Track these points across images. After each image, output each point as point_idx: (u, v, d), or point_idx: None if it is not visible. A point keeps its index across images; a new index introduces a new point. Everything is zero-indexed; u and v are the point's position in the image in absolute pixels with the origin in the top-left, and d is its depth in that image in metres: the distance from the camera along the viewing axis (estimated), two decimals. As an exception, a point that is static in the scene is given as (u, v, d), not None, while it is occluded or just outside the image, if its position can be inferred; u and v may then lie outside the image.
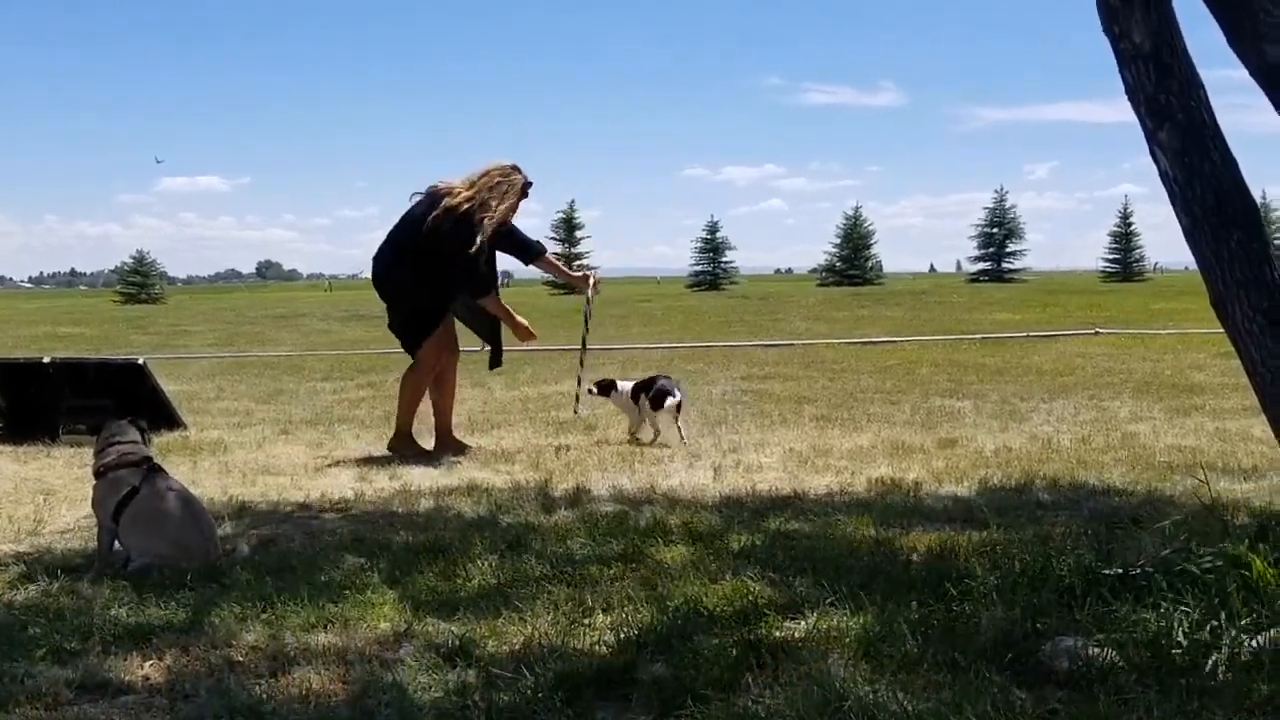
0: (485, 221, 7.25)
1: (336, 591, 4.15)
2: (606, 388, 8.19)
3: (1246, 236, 3.96)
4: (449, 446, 7.60)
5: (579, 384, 8.68)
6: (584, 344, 8.95)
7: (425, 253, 7.31)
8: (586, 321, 8.68)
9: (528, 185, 7.56)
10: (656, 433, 7.90)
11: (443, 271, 7.36)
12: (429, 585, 4.23)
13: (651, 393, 7.87)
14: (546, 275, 9.73)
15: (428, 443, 7.70)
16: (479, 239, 7.22)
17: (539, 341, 8.57)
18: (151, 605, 4.04)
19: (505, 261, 7.80)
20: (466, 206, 7.25)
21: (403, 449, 7.46)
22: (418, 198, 7.54)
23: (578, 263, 64.70)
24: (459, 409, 9.73)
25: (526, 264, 8.06)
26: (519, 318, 7.78)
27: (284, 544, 5.04)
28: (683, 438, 7.83)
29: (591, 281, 8.30)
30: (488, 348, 8.18)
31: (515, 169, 7.54)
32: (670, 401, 7.81)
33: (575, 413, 8.57)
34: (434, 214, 7.24)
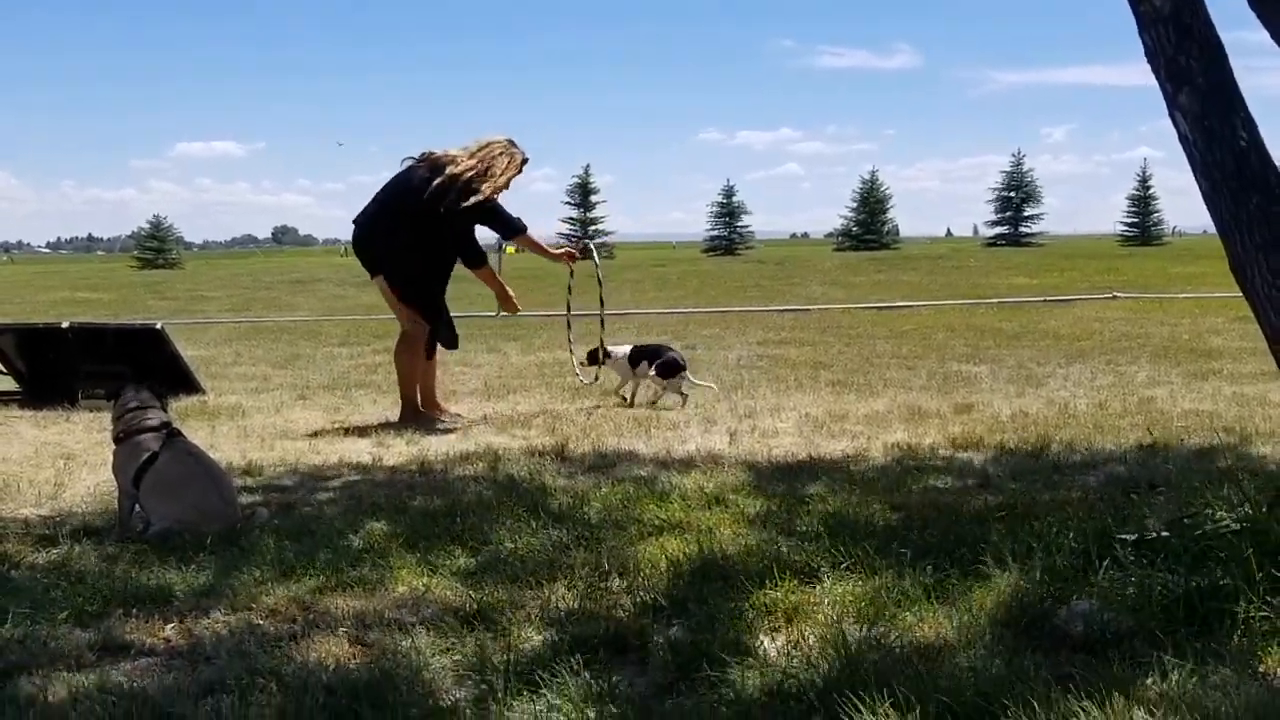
0: (485, 189, 7.27)
1: (355, 556, 4.18)
2: (594, 357, 8.28)
3: (1266, 200, 3.93)
4: (423, 415, 7.56)
5: (571, 354, 8.81)
6: (569, 309, 8.86)
7: (423, 218, 7.26)
8: (569, 292, 8.65)
9: (524, 161, 7.56)
10: (655, 398, 8.14)
11: (439, 238, 7.36)
12: (447, 550, 4.25)
13: (661, 362, 8.07)
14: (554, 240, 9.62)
15: (450, 405, 7.75)
16: (475, 204, 7.24)
17: (554, 308, 8.58)
18: (172, 569, 4.08)
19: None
20: (470, 175, 7.24)
21: (413, 419, 7.42)
22: (409, 162, 7.51)
23: (594, 228, 64.67)
24: (475, 375, 9.79)
25: (505, 239, 8.06)
26: (509, 289, 7.80)
27: (303, 508, 5.07)
28: (684, 402, 8.02)
29: (575, 258, 8.32)
30: (501, 314, 8.18)
31: (512, 143, 7.53)
32: (682, 374, 8.11)
33: (582, 381, 8.57)
34: (439, 180, 7.20)
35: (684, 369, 8.18)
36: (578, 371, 8.59)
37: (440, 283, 7.62)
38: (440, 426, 7.27)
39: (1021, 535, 3.96)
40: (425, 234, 7.31)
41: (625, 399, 8.23)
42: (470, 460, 6.02)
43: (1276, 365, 4.11)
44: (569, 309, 8.83)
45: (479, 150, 7.37)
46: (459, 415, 7.59)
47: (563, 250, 8.34)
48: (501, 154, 7.39)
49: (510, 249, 8.24)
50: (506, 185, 7.47)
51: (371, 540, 4.40)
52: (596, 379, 8.42)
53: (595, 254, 8.77)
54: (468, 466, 5.87)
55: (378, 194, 7.55)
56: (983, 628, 3.23)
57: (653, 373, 8.09)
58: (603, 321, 8.54)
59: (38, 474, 5.93)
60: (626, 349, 8.32)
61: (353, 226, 7.60)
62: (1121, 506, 4.46)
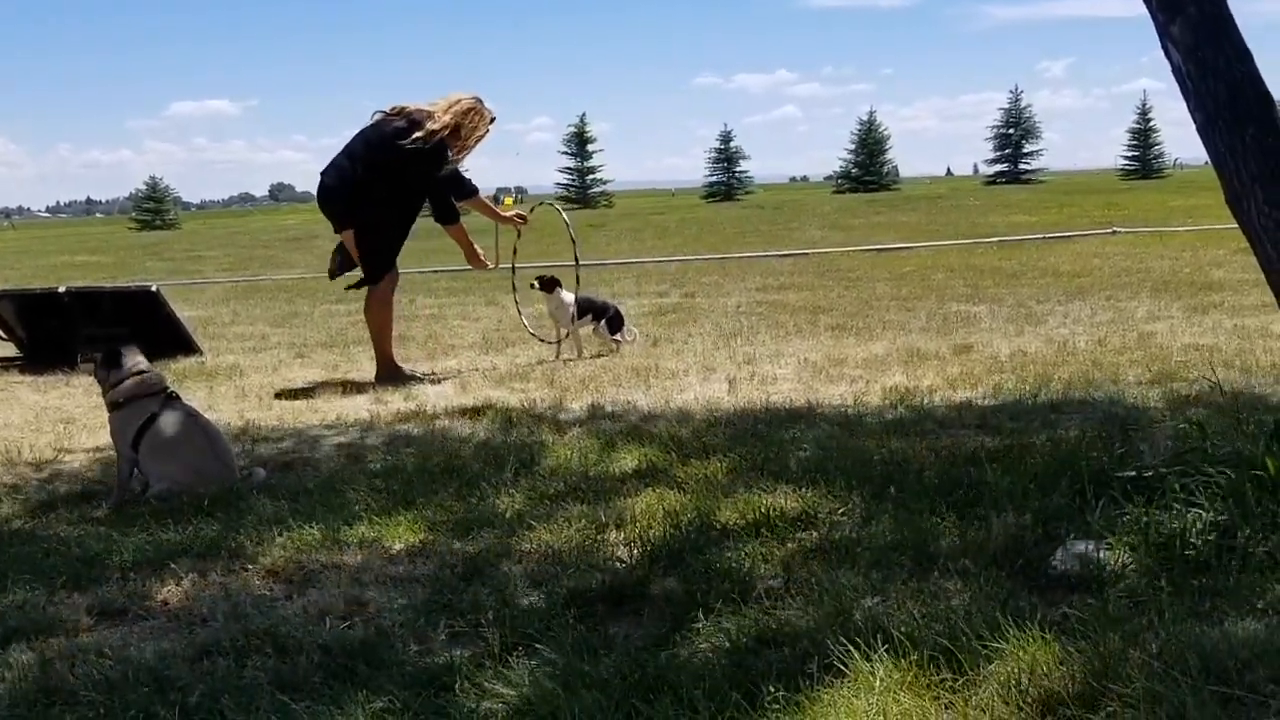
0: (456, 149, 7.23)
1: (352, 513, 4.18)
2: (551, 284, 8.11)
3: (1261, 131, 3.88)
4: (401, 371, 7.50)
5: (519, 312, 8.72)
6: (514, 270, 8.56)
7: (398, 171, 7.16)
8: (515, 254, 8.43)
9: (493, 120, 7.48)
10: (579, 351, 8.12)
11: (410, 192, 7.30)
12: (444, 505, 4.25)
13: (609, 316, 8.32)
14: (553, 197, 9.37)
15: (442, 363, 7.72)
16: (449, 164, 7.20)
17: (554, 259, 8.51)
18: (170, 531, 4.08)
19: (515, 178, 7.76)
20: (445, 133, 7.16)
21: (392, 378, 7.33)
22: (380, 116, 7.36)
23: (591, 176, 64.38)
24: (474, 328, 9.77)
25: (457, 201, 7.95)
26: (477, 247, 7.71)
27: (300, 467, 5.08)
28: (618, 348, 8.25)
29: (524, 220, 8.20)
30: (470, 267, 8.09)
31: (480, 101, 7.42)
32: (629, 331, 8.45)
33: (534, 336, 8.51)
34: (417, 135, 7.07)
35: (627, 329, 8.48)
36: (530, 330, 8.55)
37: (403, 237, 7.53)
38: (418, 378, 7.27)
39: (1018, 476, 3.95)
40: (398, 187, 7.22)
41: (552, 342, 8.25)
42: (468, 415, 6.01)
43: (1275, 297, 4.08)
44: (514, 270, 8.54)
45: (451, 107, 7.26)
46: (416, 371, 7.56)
47: (513, 214, 8.26)
48: (470, 111, 7.30)
49: (508, 200, 8.12)
50: (474, 147, 7.42)
51: (369, 497, 4.39)
52: (559, 343, 8.24)
53: (566, 220, 8.71)
54: (466, 421, 5.86)
55: (348, 147, 7.38)
56: (979, 570, 3.22)
57: (602, 328, 8.25)
58: (578, 279, 8.32)
59: (38, 438, 5.94)
60: (572, 298, 8.17)
61: (320, 178, 7.45)
62: (1119, 444, 4.44)
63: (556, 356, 8.08)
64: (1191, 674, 2.49)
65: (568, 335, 8.17)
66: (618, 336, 8.32)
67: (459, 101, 7.31)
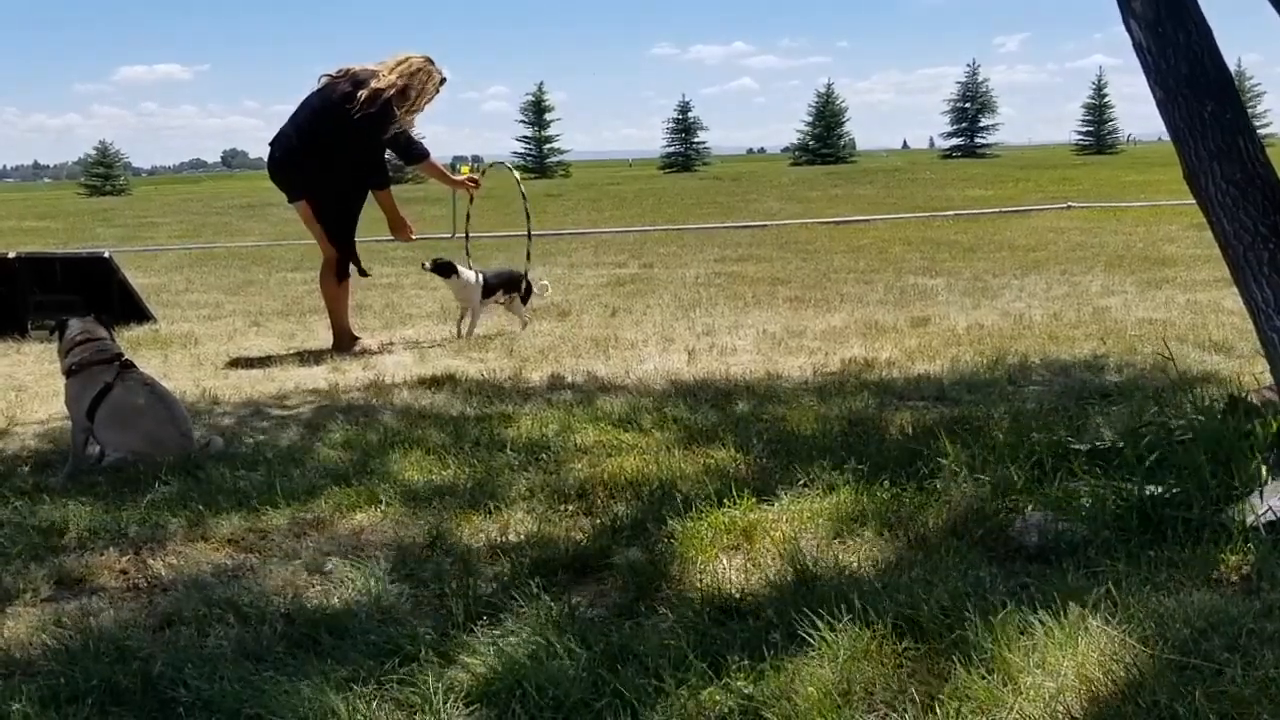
0: (402, 111, 7.04)
1: (312, 482, 4.16)
2: (448, 268, 7.64)
3: (1220, 107, 3.92)
4: (357, 341, 7.46)
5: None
6: (467, 236, 8.48)
7: (346, 134, 7.00)
8: (468, 220, 8.39)
9: (443, 80, 7.34)
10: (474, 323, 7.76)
11: (357, 158, 7.13)
12: (404, 476, 4.23)
13: (524, 288, 7.93)
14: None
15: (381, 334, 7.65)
16: (393, 126, 7.03)
17: (512, 228, 8.44)
18: (127, 500, 4.04)
19: (472, 146, 7.70)
20: (392, 92, 6.99)
21: (348, 347, 7.28)
22: (326, 79, 7.22)
23: (549, 146, 64.07)
24: (431, 297, 9.71)
25: (407, 164, 7.87)
26: (404, 214, 7.52)
27: (258, 437, 5.03)
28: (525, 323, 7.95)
29: (476, 185, 7.99)
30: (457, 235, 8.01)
31: (430, 61, 7.25)
32: (540, 287, 8.22)
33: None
34: (363, 94, 6.92)
35: (532, 287, 8.13)
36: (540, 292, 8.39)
37: (360, 202, 7.40)
38: (363, 350, 7.22)
39: (976, 448, 3.98)
40: (348, 151, 7.07)
41: (461, 329, 7.78)
42: (428, 385, 5.98)
43: (1229, 272, 4.13)
44: (467, 236, 8.46)
45: (397, 66, 7.10)
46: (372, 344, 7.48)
47: (464, 178, 8.09)
48: (419, 71, 7.14)
49: (465, 169, 7.92)
50: (423, 108, 7.25)
51: (329, 467, 4.37)
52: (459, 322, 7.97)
53: (517, 177, 8.36)
54: (425, 391, 5.83)
55: (295, 114, 7.26)
56: (939, 541, 3.25)
57: (516, 302, 7.90)
58: (529, 255, 8.22)
59: (-12, 407, 5.85)
60: (474, 274, 7.73)
61: (269, 149, 7.33)
62: (1075, 417, 4.50)
63: (458, 336, 7.71)
64: (1149, 643, 2.53)
65: (475, 319, 7.74)
66: (538, 292, 8.06)
67: (406, 61, 7.15)
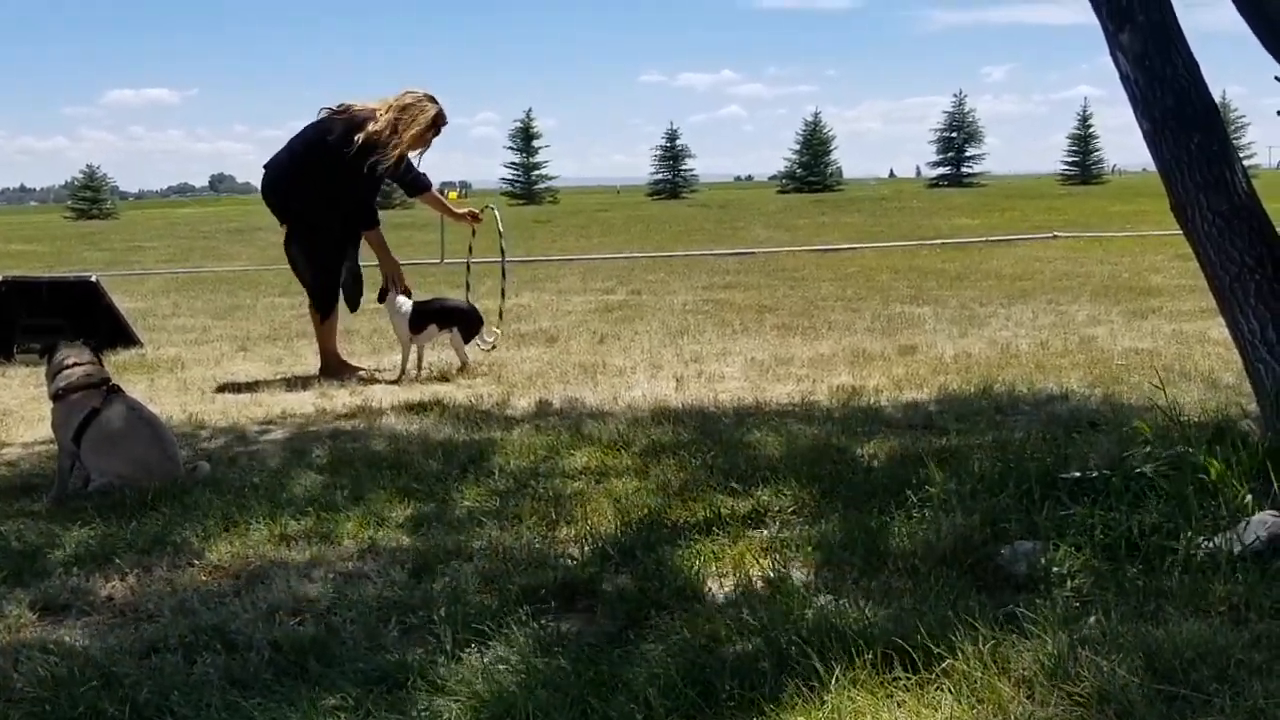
0: (390, 151, 6.95)
1: (300, 509, 4.14)
2: (380, 293, 7.27)
3: (1207, 139, 3.96)
4: (347, 367, 7.39)
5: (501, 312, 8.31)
6: (469, 268, 8.41)
7: (337, 173, 6.94)
8: (470, 252, 8.25)
9: (441, 116, 7.23)
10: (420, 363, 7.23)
11: (346, 195, 7.07)
12: (392, 502, 4.22)
13: (467, 324, 7.26)
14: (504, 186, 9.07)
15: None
16: (381, 164, 6.94)
17: (495, 254, 8.36)
18: (113, 526, 4.02)
19: (461, 172, 7.68)
20: (386, 133, 6.93)
21: (336, 373, 7.22)
22: (326, 113, 7.17)
23: (536, 172, 64.18)
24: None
25: (409, 196, 7.86)
26: (393, 254, 7.39)
27: (246, 462, 5.02)
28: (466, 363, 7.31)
29: (478, 219, 7.89)
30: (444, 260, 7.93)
31: (431, 99, 7.19)
32: (487, 333, 7.47)
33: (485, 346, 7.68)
34: (359, 137, 6.86)
35: (482, 322, 7.42)
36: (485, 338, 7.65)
37: (350, 238, 7.34)
38: (361, 374, 7.21)
39: (964, 477, 3.98)
40: (336, 187, 7.02)
41: (406, 371, 7.15)
42: (415, 410, 5.97)
43: (1216, 302, 4.16)
44: (469, 269, 8.42)
45: (393, 102, 7.06)
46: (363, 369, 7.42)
47: (466, 211, 7.99)
48: (411, 105, 7.06)
49: (452, 194, 7.81)
50: (419, 141, 7.18)
51: (316, 493, 4.36)
52: (492, 347, 7.67)
53: (498, 218, 7.99)
54: (412, 417, 5.82)
55: (291, 141, 7.25)
56: (928, 569, 3.25)
57: (455, 336, 7.19)
58: (504, 293, 8.14)
59: (-28, 431, 5.82)
60: (408, 304, 7.15)
61: (263, 172, 7.31)
62: (1063, 446, 4.50)
63: (399, 378, 7.09)
64: (1138, 673, 2.53)
65: (419, 355, 7.25)
66: (479, 342, 7.39)
67: (399, 96, 7.12)
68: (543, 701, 2.51)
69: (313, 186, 7.08)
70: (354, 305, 7.61)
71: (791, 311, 10.09)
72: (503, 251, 8.14)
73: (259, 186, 7.46)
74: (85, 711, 2.59)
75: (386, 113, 7.02)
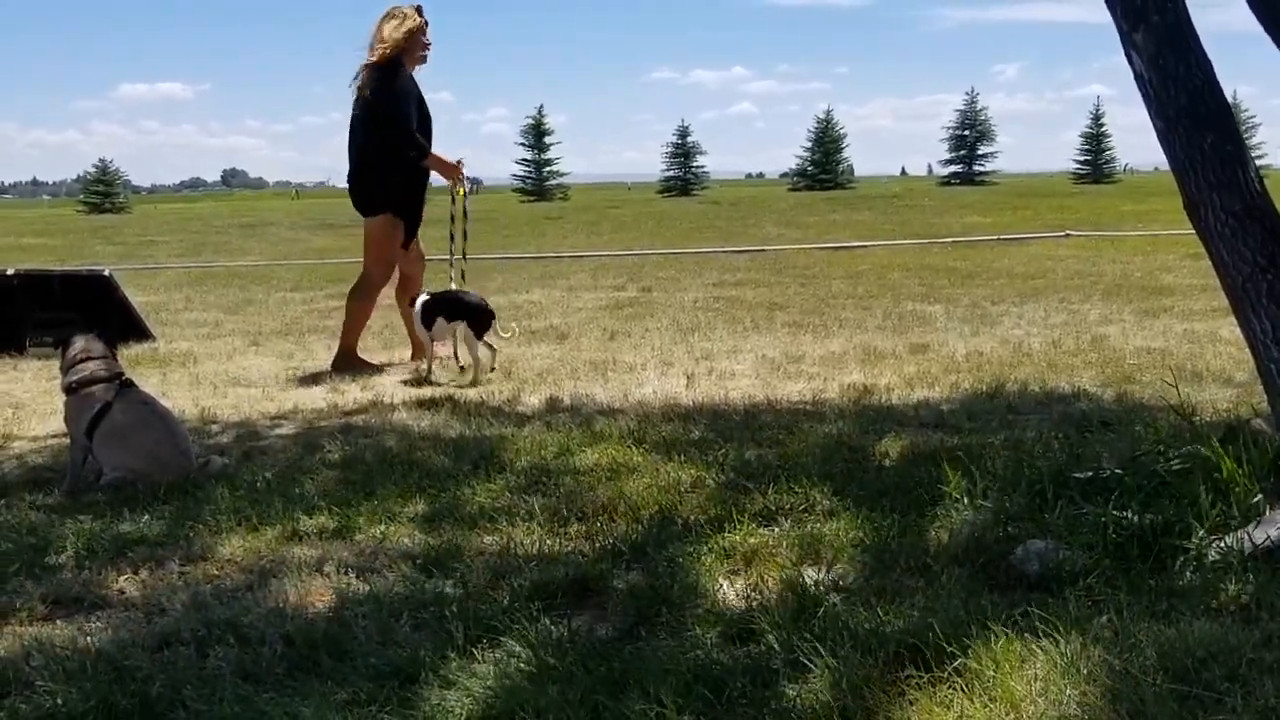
0: (382, 50, 7.00)
1: (311, 504, 4.15)
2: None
3: (1220, 139, 3.94)
4: (361, 364, 7.37)
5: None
6: (465, 255, 7.84)
7: (367, 126, 7.09)
8: (465, 238, 7.72)
9: (420, 11, 7.15)
10: (461, 360, 7.00)
11: (386, 141, 7.07)
12: (404, 497, 4.23)
13: (477, 318, 6.84)
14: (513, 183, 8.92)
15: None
16: (401, 75, 7.02)
17: (508, 250, 8.38)
18: (126, 520, 4.03)
19: (472, 169, 7.65)
20: (376, 57, 7.01)
21: (348, 368, 7.22)
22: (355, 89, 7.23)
23: (548, 169, 64.21)
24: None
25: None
26: (448, 159, 7.38)
27: (258, 456, 5.03)
28: (492, 366, 6.98)
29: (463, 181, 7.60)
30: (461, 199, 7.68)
31: (416, 8, 7.17)
32: (504, 327, 7.12)
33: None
34: (359, 83, 7.05)
35: (493, 316, 6.96)
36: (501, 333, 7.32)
37: (421, 185, 7.36)
38: (375, 369, 7.22)
39: (977, 476, 3.97)
40: (375, 143, 7.11)
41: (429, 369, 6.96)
42: (426, 406, 5.98)
43: (1228, 302, 4.14)
44: (465, 255, 7.87)
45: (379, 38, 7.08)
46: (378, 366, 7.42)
47: (457, 161, 7.52)
48: (390, 11, 7.10)
49: (460, 191, 7.65)
50: (409, 40, 7.06)
51: (328, 488, 4.37)
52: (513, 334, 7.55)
53: (466, 194, 7.67)
54: (424, 413, 5.83)
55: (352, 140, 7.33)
56: (940, 568, 3.25)
57: (467, 333, 6.80)
58: (463, 273, 7.73)
59: (-14, 424, 5.84)
60: (421, 298, 6.99)
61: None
62: (1075, 445, 4.50)
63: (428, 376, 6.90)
64: (1150, 672, 2.53)
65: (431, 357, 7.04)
66: (488, 340, 6.94)
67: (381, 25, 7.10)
68: (553, 698, 2.52)
69: (373, 154, 7.13)
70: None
71: (803, 309, 10.08)
72: (452, 237, 7.73)
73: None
74: (97, 704, 2.59)
75: (379, 45, 7.05)
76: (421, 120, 7.14)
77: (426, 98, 7.24)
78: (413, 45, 7.11)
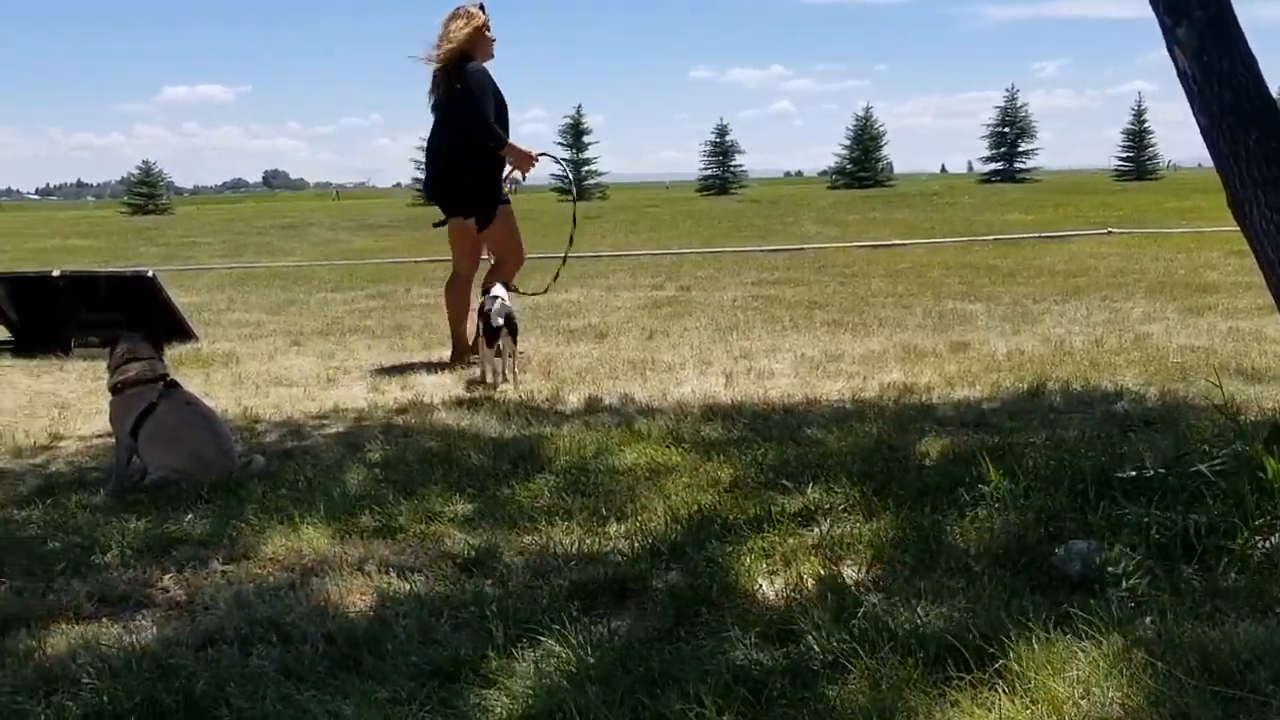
0: (449, 49, 7.18)
1: (353, 503, 4.18)
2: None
3: (1265, 135, 3.89)
4: (472, 355, 7.37)
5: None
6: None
7: (446, 127, 7.30)
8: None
9: (482, 8, 7.30)
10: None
11: (464, 139, 7.25)
12: (444, 496, 4.25)
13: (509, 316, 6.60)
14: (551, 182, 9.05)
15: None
16: (472, 68, 7.17)
17: (545, 250, 8.42)
18: (170, 519, 4.08)
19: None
20: (457, 50, 7.18)
21: (461, 360, 7.41)
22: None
23: (586, 169, 64.25)
24: (469, 318, 9.74)
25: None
26: (523, 148, 7.46)
27: (299, 456, 5.07)
28: (508, 375, 6.67)
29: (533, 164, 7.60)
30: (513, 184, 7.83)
31: (479, 5, 7.33)
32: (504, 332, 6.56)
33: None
34: (438, 91, 7.24)
35: (505, 321, 6.54)
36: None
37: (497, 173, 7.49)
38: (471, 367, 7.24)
39: (1018, 475, 3.95)
40: (464, 134, 7.26)
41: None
42: (466, 406, 6.01)
43: (1274, 300, 4.09)
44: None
45: (444, 41, 7.26)
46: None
47: (537, 155, 7.61)
48: (455, 12, 7.27)
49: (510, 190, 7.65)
50: (477, 36, 7.23)
51: (369, 487, 4.40)
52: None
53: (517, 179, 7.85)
54: (464, 412, 5.85)
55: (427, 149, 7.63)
56: (981, 569, 3.23)
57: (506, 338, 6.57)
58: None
59: (32, 424, 5.92)
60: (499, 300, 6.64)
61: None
62: (1118, 445, 4.46)
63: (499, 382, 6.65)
64: (1194, 674, 2.51)
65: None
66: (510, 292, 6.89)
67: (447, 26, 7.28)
68: (593, 698, 2.52)
69: (450, 154, 7.34)
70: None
71: (842, 308, 10.04)
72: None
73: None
74: (142, 702, 2.62)
75: (445, 44, 7.24)
76: (499, 111, 7.33)
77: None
78: (481, 41, 7.27)
